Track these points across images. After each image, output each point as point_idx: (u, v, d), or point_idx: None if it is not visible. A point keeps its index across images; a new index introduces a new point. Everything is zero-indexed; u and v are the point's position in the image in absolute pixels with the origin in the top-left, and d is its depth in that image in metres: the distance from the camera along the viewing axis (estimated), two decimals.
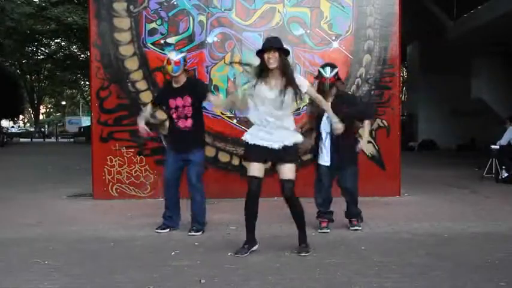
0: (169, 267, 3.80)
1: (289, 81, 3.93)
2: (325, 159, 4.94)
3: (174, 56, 4.82)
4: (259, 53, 3.96)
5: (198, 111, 4.94)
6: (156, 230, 4.96)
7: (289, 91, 3.93)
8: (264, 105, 3.98)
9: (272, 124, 3.99)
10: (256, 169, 4.04)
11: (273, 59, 3.87)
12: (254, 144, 4.03)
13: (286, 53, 4.00)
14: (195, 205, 4.95)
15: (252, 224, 4.19)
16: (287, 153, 4.00)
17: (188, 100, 4.80)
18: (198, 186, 4.90)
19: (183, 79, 4.86)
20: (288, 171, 4.01)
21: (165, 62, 4.86)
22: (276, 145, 3.98)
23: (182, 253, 4.20)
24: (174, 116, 4.87)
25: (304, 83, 4.08)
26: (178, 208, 5.08)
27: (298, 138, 4.09)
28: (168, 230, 4.97)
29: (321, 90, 4.74)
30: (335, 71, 4.85)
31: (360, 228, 5.03)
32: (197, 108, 4.90)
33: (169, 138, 5.13)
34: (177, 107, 4.82)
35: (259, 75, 3.98)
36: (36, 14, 26.83)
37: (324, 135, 4.92)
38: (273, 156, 4.02)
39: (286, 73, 3.94)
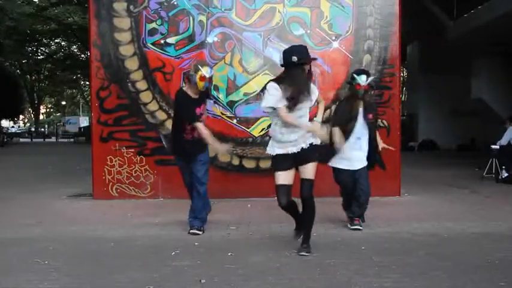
0: (169, 267, 3.80)
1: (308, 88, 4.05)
2: (356, 163, 4.99)
3: (208, 72, 4.69)
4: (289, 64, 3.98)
5: None
6: (191, 231, 4.87)
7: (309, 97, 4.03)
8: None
9: (291, 131, 4.03)
10: (282, 178, 4.08)
11: (306, 70, 3.98)
12: (277, 154, 4.10)
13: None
14: (196, 200, 4.92)
15: (295, 215, 4.31)
16: (307, 153, 4.06)
17: (204, 108, 4.91)
18: (202, 182, 4.87)
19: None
20: (309, 170, 4.07)
21: (196, 76, 4.65)
22: (295, 149, 4.05)
23: (182, 253, 4.20)
24: (186, 129, 4.82)
25: (317, 93, 4.18)
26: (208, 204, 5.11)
27: (316, 140, 4.13)
28: (202, 232, 4.90)
29: (353, 95, 4.92)
30: (370, 79, 4.93)
31: (361, 228, 5.02)
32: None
33: (178, 148, 5.00)
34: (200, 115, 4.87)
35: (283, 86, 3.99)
36: (36, 14, 26.86)
37: (352, 139, 4.93)
38: (295, 160, 4.06)
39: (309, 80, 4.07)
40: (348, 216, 5.16)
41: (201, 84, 4.67)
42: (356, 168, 4.96)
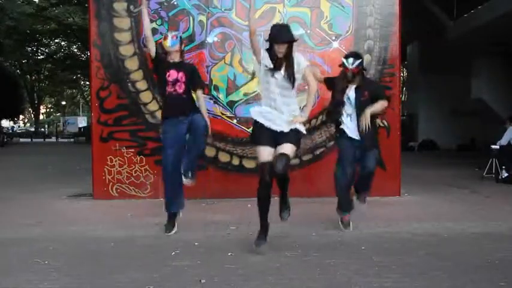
0: (169, 267, 3.80)
1: (291, 65, 4.13)
2: (353, 133, 4.88)
3: (171, 32, 5.03)
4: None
5: (189, 90, 4.96)
6: (166, 234, 4.85)
7: (291, 73, 4.12)
8: (272, 85, 4.14)
9: (278, 103, 4.14)
10: (265, 153, 4.13)
11: (282, 50, 4.08)
12: (261, 125, 4.16)
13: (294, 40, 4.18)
14: (191, 155, 4.90)
15: (267, 212, 4.17)
16: (289, 135, 4.13)
17: (183, 77, 4.84)
18: (202, 141, 4.91)
19: (178, 57, 4.91)
20: (286, 147, 4.11)
21: (162, 39, 4.96)
22: (279, 128, 4.12)
23: (182, 253, 4.20)
24: (167, 84, 4.86)
25: (303, 62, 4.23)
26: (182, 193, 4.94)
27: (302, 127, 4.22)
28: (175, 229, 4.88)
29: (344, 78, 4.88)
30: (357, 62, 4.85)
31: (350, 228, 4.97)
32: (188, 89, 4.92)
33: (164, 107, 5.07)
34: (169, 76, 4.85)
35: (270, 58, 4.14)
36: (36, 14, 26.86)
37: (344, 116, 4.90)
38: (275, 138, 4.13)
39: (289, 59, 4.14)
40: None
41: (165, 43, 4.86)
42: (356, 138, 4.85)
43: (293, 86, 4.17)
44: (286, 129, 4.12)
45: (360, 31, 7.24)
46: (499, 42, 16.87)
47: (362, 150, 4.91)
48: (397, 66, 7.41)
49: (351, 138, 4.88)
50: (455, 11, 17.59)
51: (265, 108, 4.21)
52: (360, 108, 4.86)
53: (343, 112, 4.91)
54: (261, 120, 4.17)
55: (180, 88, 4.85)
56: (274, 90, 4.15)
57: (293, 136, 4.16)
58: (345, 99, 4.89)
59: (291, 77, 4.12)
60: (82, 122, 45.99)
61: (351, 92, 4.89)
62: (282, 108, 4.15)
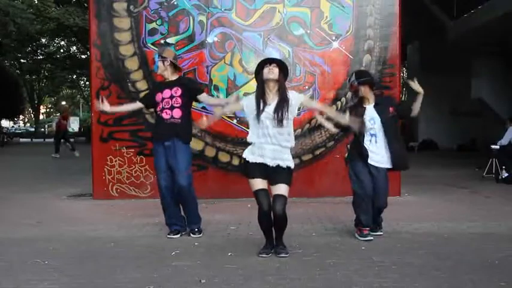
0: (169, 267, 3.80)
1: (283, 97, 4.00)
2: (375, 159, 4.55)
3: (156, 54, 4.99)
4: (259, 69, 4.08)
5: (188, 104, 4.77)
6: (168, 236, 4.76)
7: (283, 106, 3.98)
8: (263, 124, 3.99)
9: (271, 140, 4.00)
10: (259, 183, 4.03)
11: (273, 69, 3.99)
12: (253, 163, 4.04)
13: (285, 72, 4.11)
14: (186, 208, 4.84)
15: (271, 231, 4.12)
16: (282, 174, 4.00)
17: (178, 91, 4.66)
18: (187, 188, 4.70)
19: (173, 76, 4.78)
20: (282, 188, 4.00)
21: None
22: (272, 163, 4.00)
23: (182, 253, 4.20)
24: (158, 108, 4.71)
25: (299, 99, 4.16)
26: (180, 211, 4.89)
27: (292, 164, 4.08)
28: (179, 234, 4.77)
29: (359, 99, 4.68)
30: (362, 79, 4.59)
31: (372, 238, 4.63)
32: (187, 102, 4.74)
33: (154, 131, 4.88)
34: (163, 99, 4.68)
35: (257, 95, 4.05)
36: (36, 15, 26.92)
37: (366, 139, 4.57)
38: (269, 174, 4.01)
39: (281, 88, 4.03)
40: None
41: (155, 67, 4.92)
42: (372, 163, 4.54)
43: (281, 123, 3.95)
44: (281, 164, 3.98)
45: (360, 31, 7.24)
46: (499, 42, 16.86)
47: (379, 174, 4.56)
48: (397, 66, 7.41)
49: (368, 163, 4.54)
50: (455, 11, 17.57)
51: (257, 148, 4.05)
52: (387, 125, 4.57)
53: (365, 136, 4.57)
54: (259, 160, 4.01)
55: (174, 108, 4.64)
56: (265, 122, 3.99)
57: (286, 175, 4.01)
58: (368, 122, 4.55)
59: (279, 112, 3.94)
60: (74, 122, 45.69)
61: (371, 112, 4.59)
62: (275, 138, 3.99)
